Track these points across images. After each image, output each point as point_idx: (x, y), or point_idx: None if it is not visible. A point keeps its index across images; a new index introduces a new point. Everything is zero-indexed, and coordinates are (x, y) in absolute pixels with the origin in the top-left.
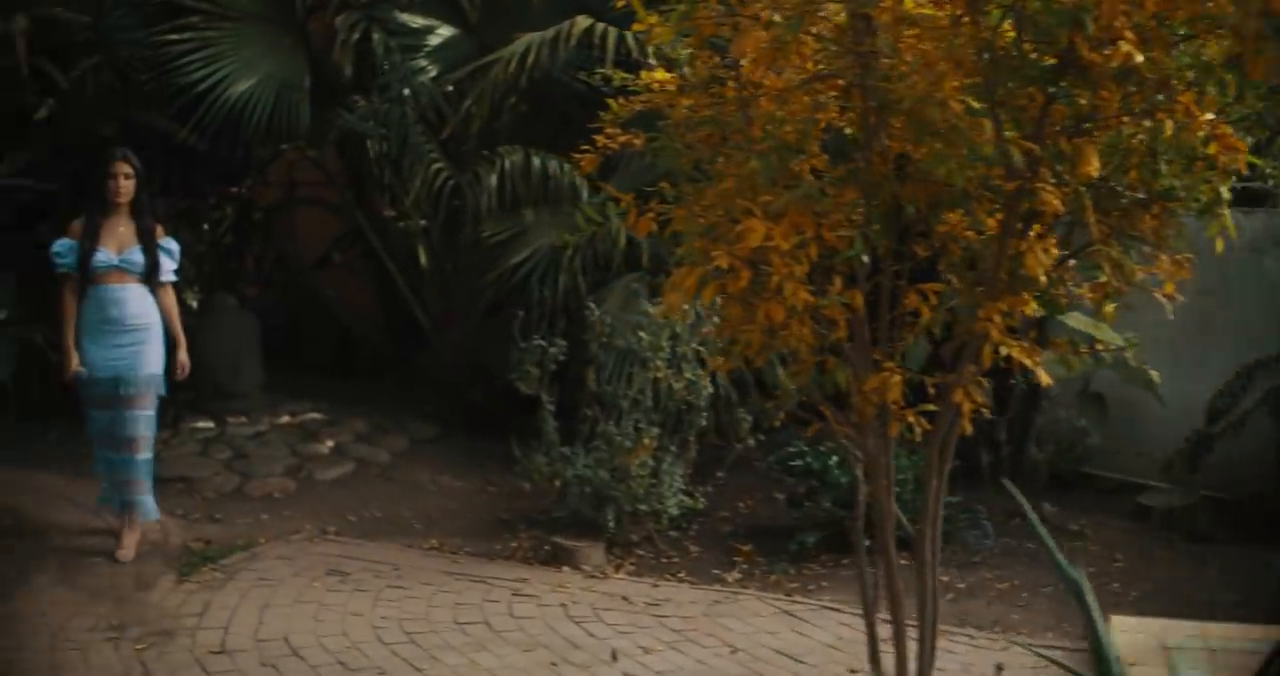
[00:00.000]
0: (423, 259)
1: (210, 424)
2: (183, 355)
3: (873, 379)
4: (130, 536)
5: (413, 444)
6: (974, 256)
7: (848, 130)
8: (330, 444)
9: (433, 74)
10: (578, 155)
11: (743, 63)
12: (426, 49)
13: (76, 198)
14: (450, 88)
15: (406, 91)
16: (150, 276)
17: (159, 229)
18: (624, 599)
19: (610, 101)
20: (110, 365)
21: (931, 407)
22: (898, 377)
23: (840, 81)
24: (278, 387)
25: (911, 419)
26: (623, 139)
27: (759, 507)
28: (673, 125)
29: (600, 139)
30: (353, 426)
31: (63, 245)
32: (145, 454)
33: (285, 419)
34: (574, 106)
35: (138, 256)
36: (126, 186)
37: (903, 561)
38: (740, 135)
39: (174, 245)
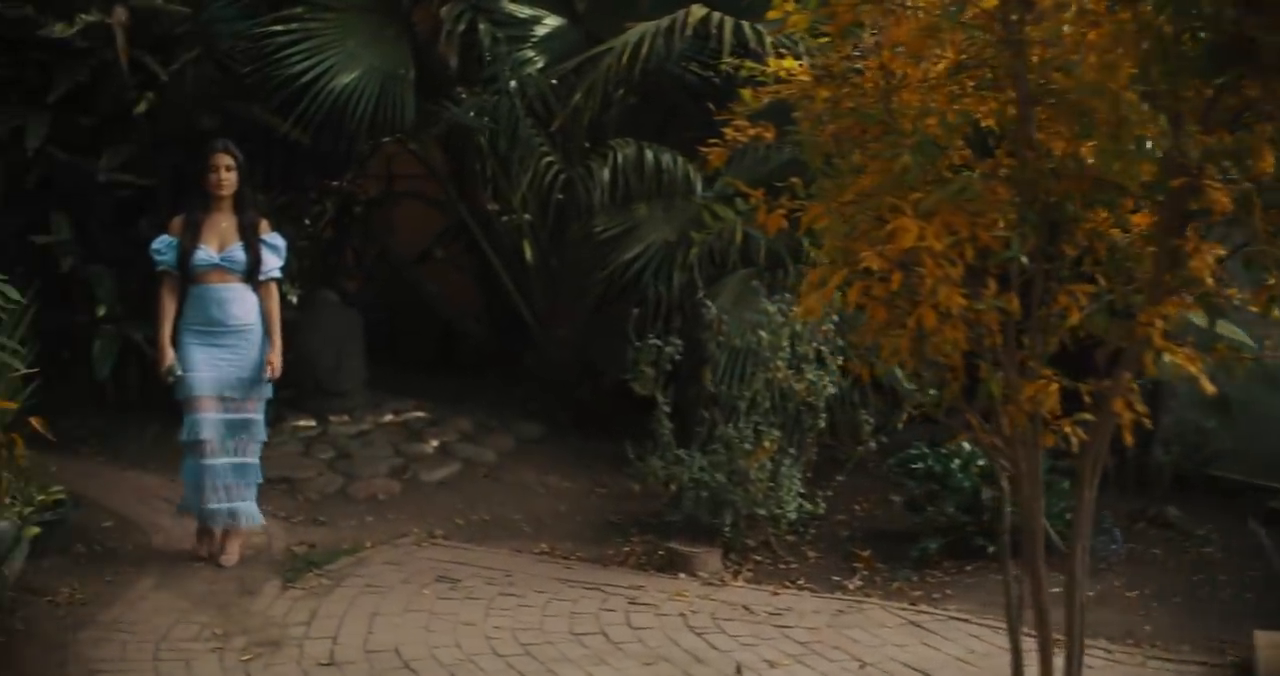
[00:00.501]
0: (528, 254)
1: (312, 422)
2: (275, 357)
3: (1029, 387)
4: (233, 542)
5: (519, 443)
6: (1123, 255)
7: (985, 123)
8: (435, 443)
9: (540, 65)
10: (705, 149)
11: (885, 52)
12: (533, 39)
13: (177, 192)
14: (554, 80)
15: (514, 83)
16: (252, 274)
17: (264, 223)
18: (745, 608)
19: (744, 92)
20: (212, 367)
21: (1088, 417)
22: (1055, 386)
23: (984, 71)
24: (380, 384)
25: (1069, 429)
26: (752, 132)
27: (875, 510)
28: (811, 117)
29: (729, 131)
30: (457, 425)
31: (162, 242)
32: (249, 459)
33: (389, 417)
34: (683, 98)
35: (239, 254)
36: (228, 179)
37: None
38: (879, 128)
39: (280, 240)
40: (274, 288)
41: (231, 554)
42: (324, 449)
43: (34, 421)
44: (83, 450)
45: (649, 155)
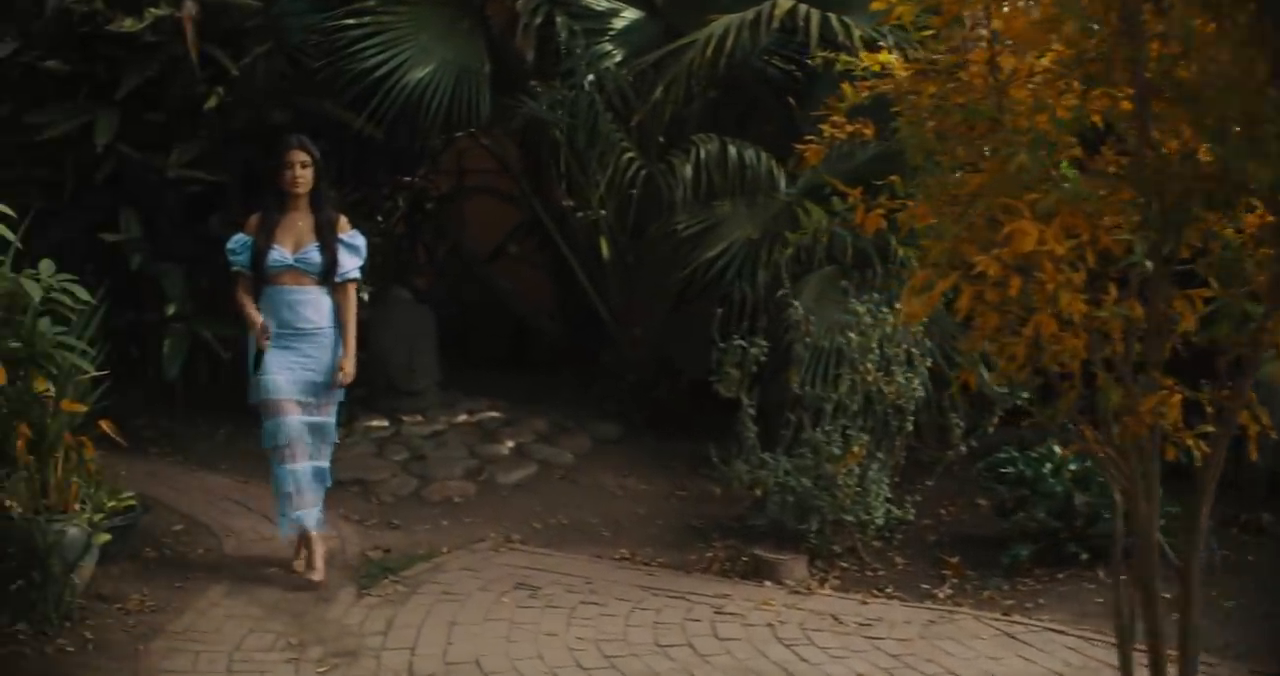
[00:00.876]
0: (604, 251)
1: (385, 422)
2: (348, 363)
3: (1150, 398)
4: (318, 553)
5: (595, 444)
6: (1235, 256)
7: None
8: (510, 444)
9: (617, 59)
10: (800, 145)
11: (994, 45)
12: (610, 32)
13: (247, 189)
14: (632, 74)
15: (591, 78)
16: (328, 276)
17: (342, 221)
18: (833, 618)
19: (845, 87)
20: (286, 370)
21: (1210, 429)
22: (1177, 397)
23: (1093, 66)
24: (452, 383)
25: (1191, 442)
26: (850, 128)
27: (962, 515)
28: (914, 114)
29: (826, 127)
30: (533, 425)
31: (237, 242)
32: (322, 462)
33: (462, 417)
34: (763, 92)
35: (315, 255)
36: (304, 176)
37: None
38: (987, 125)
39: (359, 240)
40: (351, 290)
41: (320, 568)
42: (397, 450)
43: (104, 424)
44: (152, 451)
45: (732, 151)
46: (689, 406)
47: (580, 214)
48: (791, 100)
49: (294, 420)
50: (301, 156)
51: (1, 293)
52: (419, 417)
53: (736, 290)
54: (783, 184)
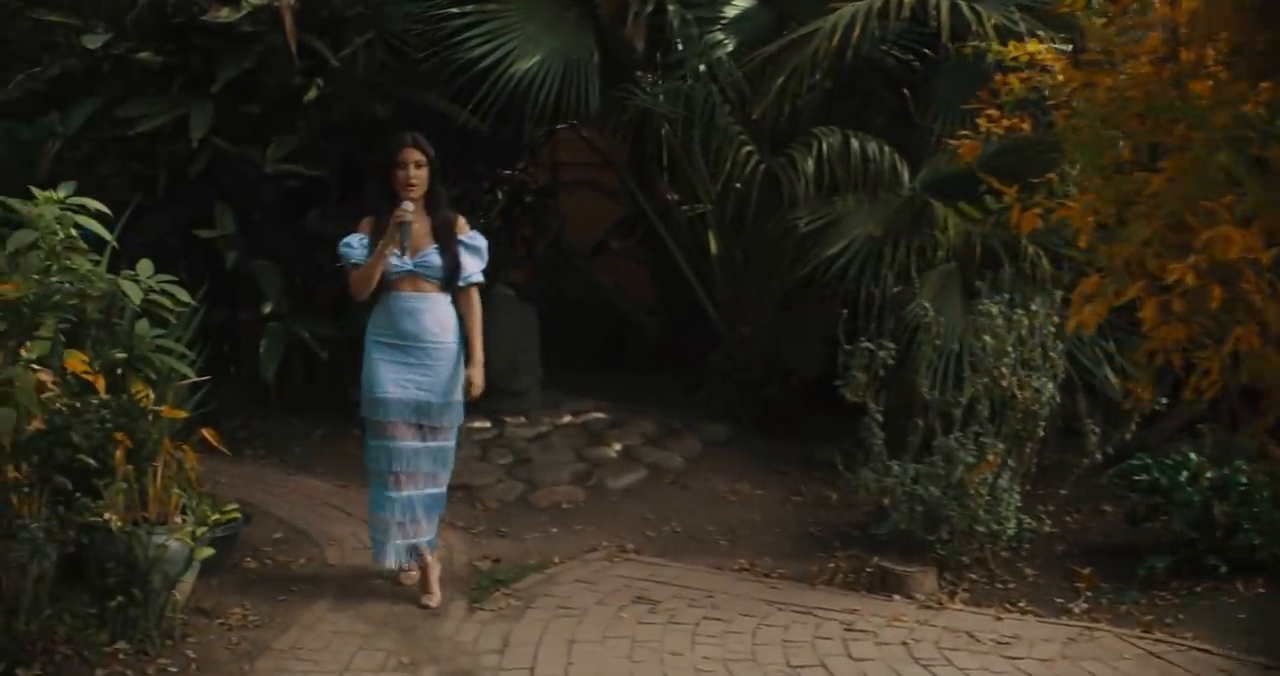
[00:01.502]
0: (713, 246)
1: (487, 424)
2: (477, 374)
3: None
4: (433, 576)
5: (705, 446)
6: None
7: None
8: (618, 447)
9: (729, 48)
10: (953, 141)
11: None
12: (722, 21)
13: (346, 183)
14: (746, 65)
15: (702, 67)
16: (450, 281)
17: (461, 222)
18: (969, 635)
19: (1011, 80)
20: (401, 387)
21: None
22: None
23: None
24: (553, 382)
25: None
26: (1007, 123)
27: (1089, 523)
28: (1090, 107)
29: (982, 122)
30: (640, 427)
31: (355, 238)
32: (437, 488)
33: (567, 418)
34: (876, 83)
35: (435, 258)
36: (419, 176)
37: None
38: (1166, 121)
39: (481, 241)
40: (475, 295)
41: (436, 594)
42: (501, 453)
43: (206, 433)
44: (247, 453)
45: (854, 144)
46: (799, 406)
47: (685, 208)
48: (906, 92)
49: (406, 445)
50: (416, 155)
51: (100, 294)
52: (522, 419)
53: (853, 288)
54: (906, 179)
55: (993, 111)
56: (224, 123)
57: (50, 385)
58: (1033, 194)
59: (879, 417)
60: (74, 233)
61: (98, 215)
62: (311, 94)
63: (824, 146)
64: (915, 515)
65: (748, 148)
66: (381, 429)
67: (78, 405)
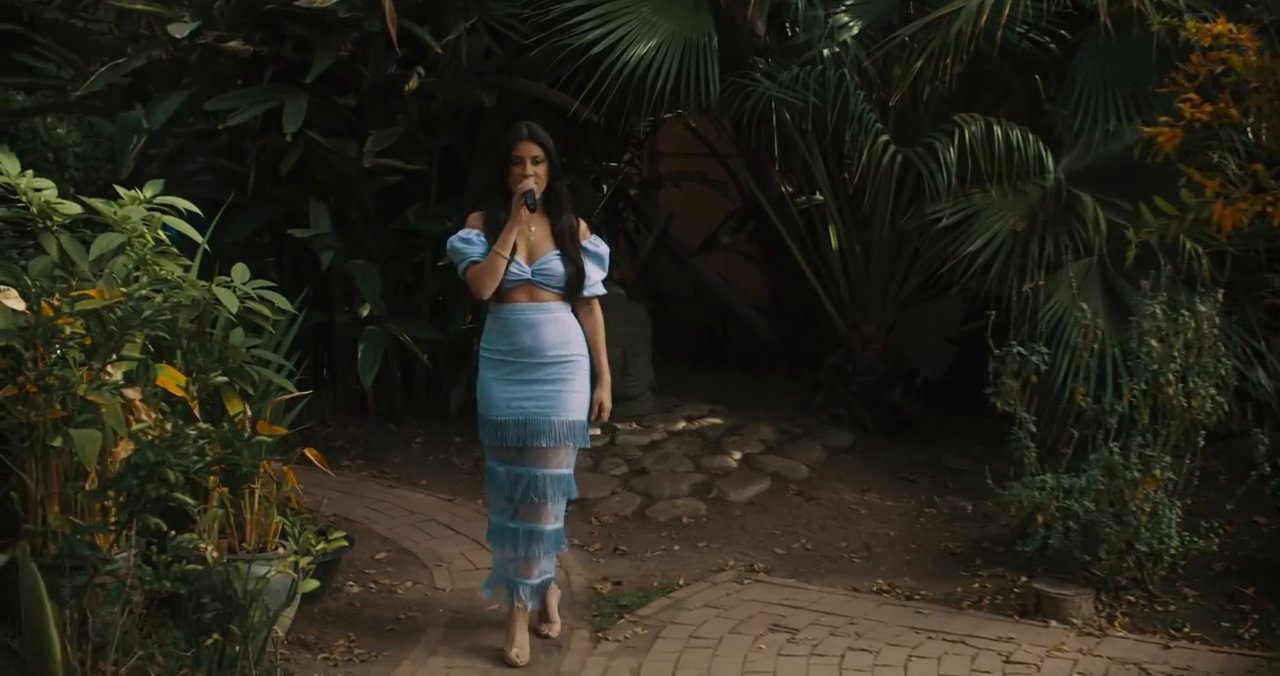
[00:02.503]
0: (833, 241)
1: (597, 431)
2: (605, 394)
3: None
4: (553, 605)
5: (829, 453)
6: None
7: None
8: (738, 455)
9: (854, 31)
10: (1150, 130)
11: None
12: (846, 2)
13: (447, 178)
14: (879, 48)
15: (826, 52)
16: (573, 291)
17: (583, 226)
18: (1139, 668)
19: (1233, 58)
20: (518, 408)
21: None
22: None
23: None
24: (662, 384)
25: None
26: (1209, 108)
27: (1240, 535)
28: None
29: (1185, 107)
30: (759, 433)
31: (470, 233)
32: (554, 524)
33: (681, 425)
34: (1006, 68)
35: (556, 266)
36: (538, 173)
37: None
38: None
39: (604, 247)
40: (598, 307)
41: (556, 621)
42: (615, 463)
43: (309, 453)
44: (344, 464)
45: (998, 132)
46: (922, 410)
47: (803, 200)
48: (1037, 77)
49: (525, 471)
50: (534, 150)
51: (192, 302)
52: (634, 425)
53: (981, 286)
54: (1051, 169)
55: (1193, 95)
56: (318, 115)
57: (139, 405)
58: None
59: (1032, 428)
60: (163, 234)
61: (187, 216)
62: (412, 83)
63: (966, 134)
64: (1070, 532)
65: (884, 137)
66: (499, 453)
67: (171, 432)
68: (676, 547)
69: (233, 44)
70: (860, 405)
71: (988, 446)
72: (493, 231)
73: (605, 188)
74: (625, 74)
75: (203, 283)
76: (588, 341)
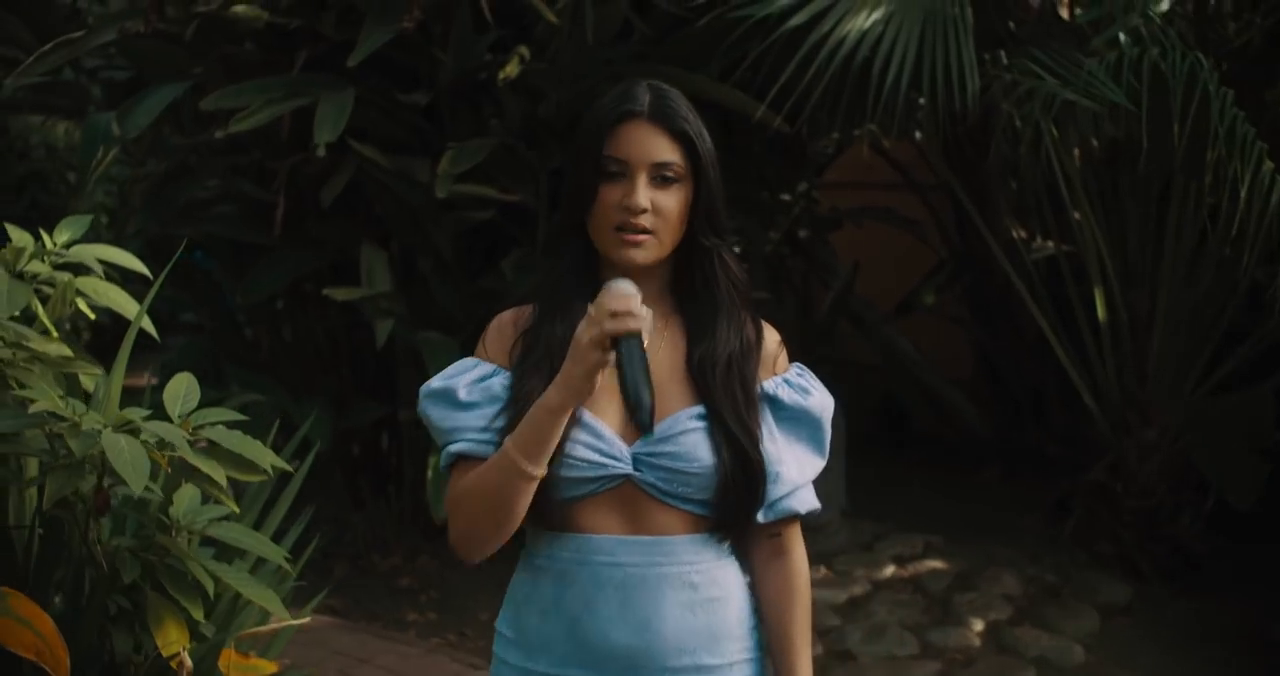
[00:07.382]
0: (1100, 308)
1: None
2: None
3: None
4: None
5: (1103, 619)
6: None
7: None
8: (979, 627)
9: (1164, 6)
10: None
11: None
12: None
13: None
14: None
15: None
16: (742, 505)
17: (772, 339)
18: None
19: None
20: None
21: None
22: None
23: None
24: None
25: None
26: None
27: None
28: None
29: None
30: (999, 584)
31: (465, 375)
32: None
33: (890, 570)
34: None
35: (698, 442)
36: (663, 217)
37: None
38: None
39: (821, 397)
40: (798, 541)
41: None
42: None
43: None
44: (410, 618)
45: None
46: (1210, 546)
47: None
48: None
49: None
50: (661, 146)
51: (89, 455)
52: (824, 571)
53: None
54: None
55: None
56: (372, 121)
57: None
58: None
59: None
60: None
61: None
62: (511, 71)
63: None
64: None
65: (1269, 164)
66: None
67: None
68: None
69: (239, 8)
70: (1132, 539)
71: None
72: (535, 366)
73: (772, 230)
74: (837, 61)
75: (99, 421)
76: (768, 624)
